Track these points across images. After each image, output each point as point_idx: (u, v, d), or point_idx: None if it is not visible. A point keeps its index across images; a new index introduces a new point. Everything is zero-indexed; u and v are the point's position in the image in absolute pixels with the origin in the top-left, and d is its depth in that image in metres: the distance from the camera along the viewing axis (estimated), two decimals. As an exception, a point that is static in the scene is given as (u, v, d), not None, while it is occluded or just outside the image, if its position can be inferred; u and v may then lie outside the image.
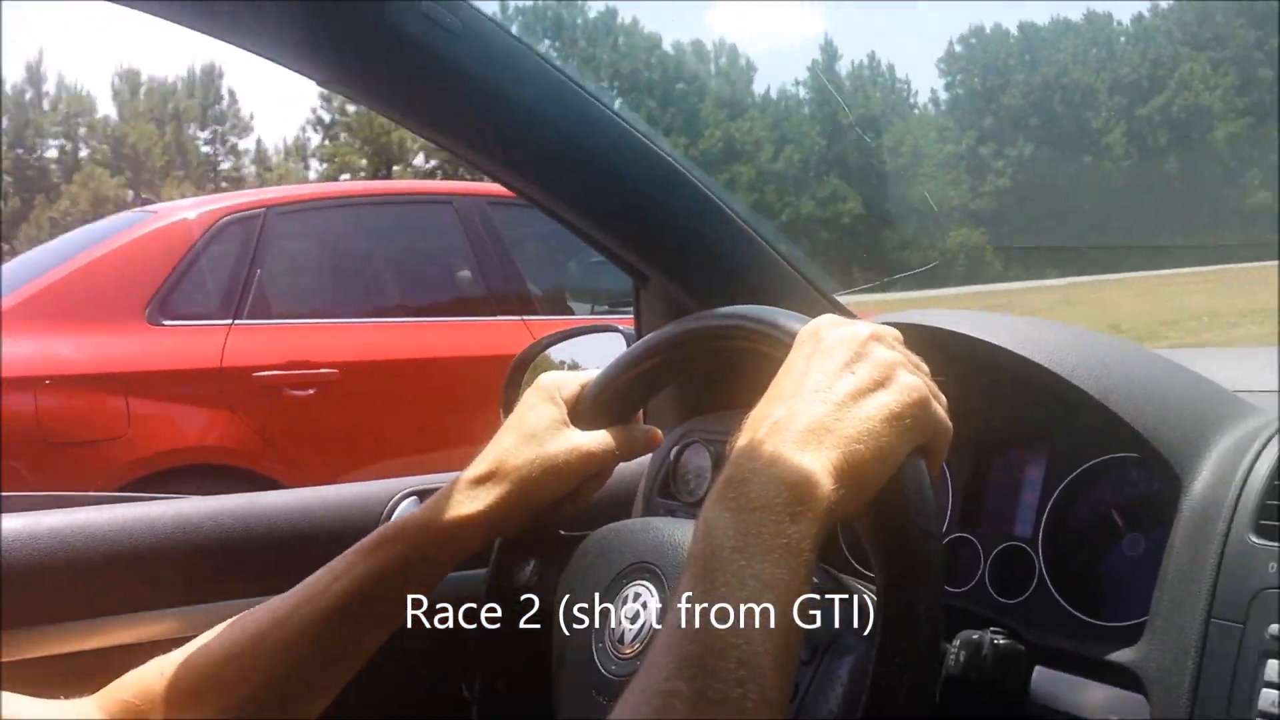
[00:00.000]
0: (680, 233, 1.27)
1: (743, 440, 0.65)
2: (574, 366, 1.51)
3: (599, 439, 0.88)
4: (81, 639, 1.05)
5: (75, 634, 1.05)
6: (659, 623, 0.77)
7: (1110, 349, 0.89)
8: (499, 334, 4.25)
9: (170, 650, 0.81)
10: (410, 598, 0.83)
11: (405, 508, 1.22)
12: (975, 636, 0.71)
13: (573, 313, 4.82)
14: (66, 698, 0.78)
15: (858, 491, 0.62)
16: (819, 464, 0.61)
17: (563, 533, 0.94)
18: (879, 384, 0.66)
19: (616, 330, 1.46)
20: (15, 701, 0.73)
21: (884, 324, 0.97)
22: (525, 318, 4.34)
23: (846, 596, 0.74)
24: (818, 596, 0.74)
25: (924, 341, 0.95)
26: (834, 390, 0.65)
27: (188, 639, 0.83)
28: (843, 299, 1.41)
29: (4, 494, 1.17)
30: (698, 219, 1.26)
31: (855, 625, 0.71)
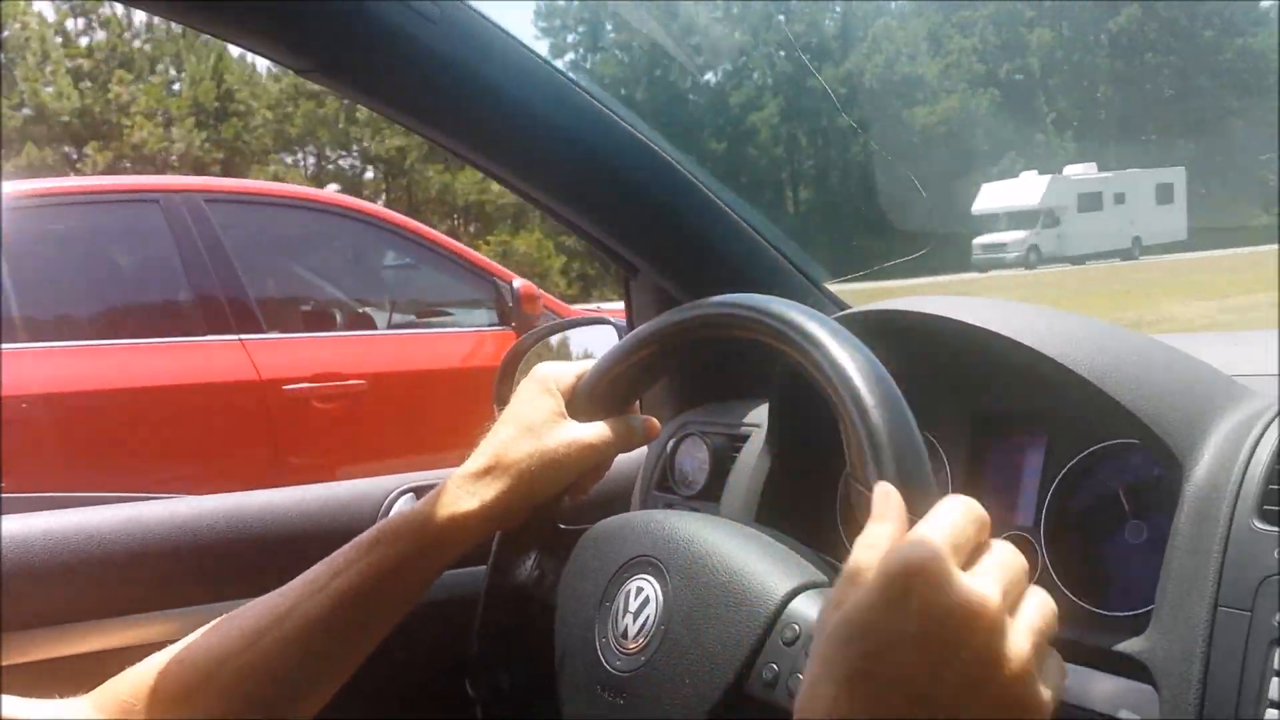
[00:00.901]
0: (668, 223, 1.26)
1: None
2: (565, 359, 1.51)
3: (598, 431, 0.87)
4: (77, 642, 1.04)
5: (71, 637, 1.04)
6: (661, 619, 0.76)
7: (1106, 333, 0.88)
8: (212, 355, 3.66)
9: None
10: (409, 594, 0.82)
11: (402, 504, 1.22)
12: None
13: (330, 327, 4.34)
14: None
15: None
16: None
17: (562, 526, 0.93)
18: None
19: (609, 322, 1.45)
20: (10, 703, 0.72)
21: (876, 310, 0.97)
22: (246, 336, 3.71)
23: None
24: (824, 585, 0.73)
25: (916, 329, 0.94)
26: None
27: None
28: (832, 287, 1.41)
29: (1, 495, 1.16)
30: (685, 208, 1.25)
31: None
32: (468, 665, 0.93)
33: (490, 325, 4.31)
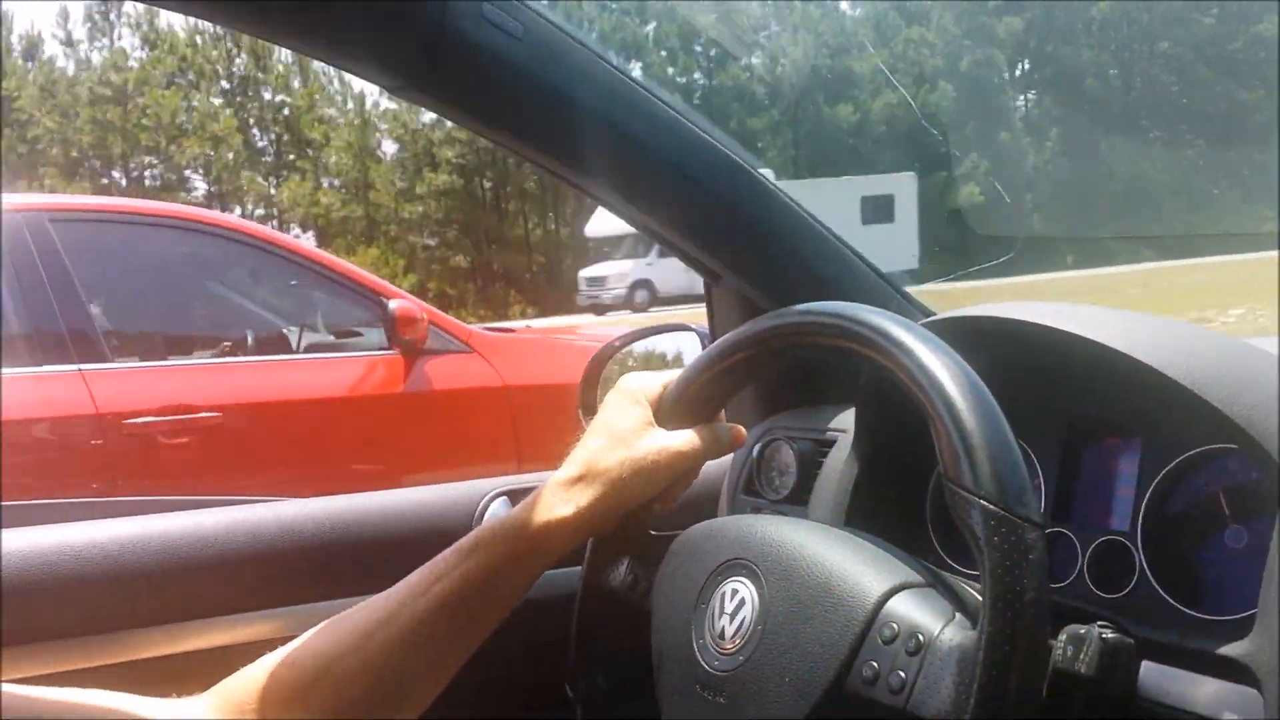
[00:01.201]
0: (749, 230, 1.27)
1: None
2: (648, 366, 1.53)
3: (686, 438, 0.89)
4: (188, 640, 1.08)
5: (182, 635, 1.08)
6: (758, 619, 0.78)
7: (1199, 338, 0.88)
8: (46, 387, 3.27)
9: (271, 651, 0.83)
10: (508, 597, 0.85)
11: (496, 507, 1.25)
12: (1082, 630, 0.71)
13: (186, 353, 3.90)
14: (176, 696, 0.80)
15: None
16: None
17: (653, 532, 0.95)
18: None
19: (690, 329, 1.47)
20: (128, 700, 0.76)
21: (965, 317, 0.97)
22: (86, 366, 3.33)
23: (949, 589, 0.74)
24: (921, 585, 0.74)
25: (1003, 334, 0.94)
26: None
27: (286, 639, 0.85)
28: (913, 291, 1.41)
29: (104, 499, 1.21)
30: (767, 216, 1.26)
31: (960, 618, 0.71)
32: (566, 667, 0.95)
33: (381, 350, 3.91)
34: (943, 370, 0.71)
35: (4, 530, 1.05)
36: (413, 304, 3.94)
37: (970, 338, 0.86)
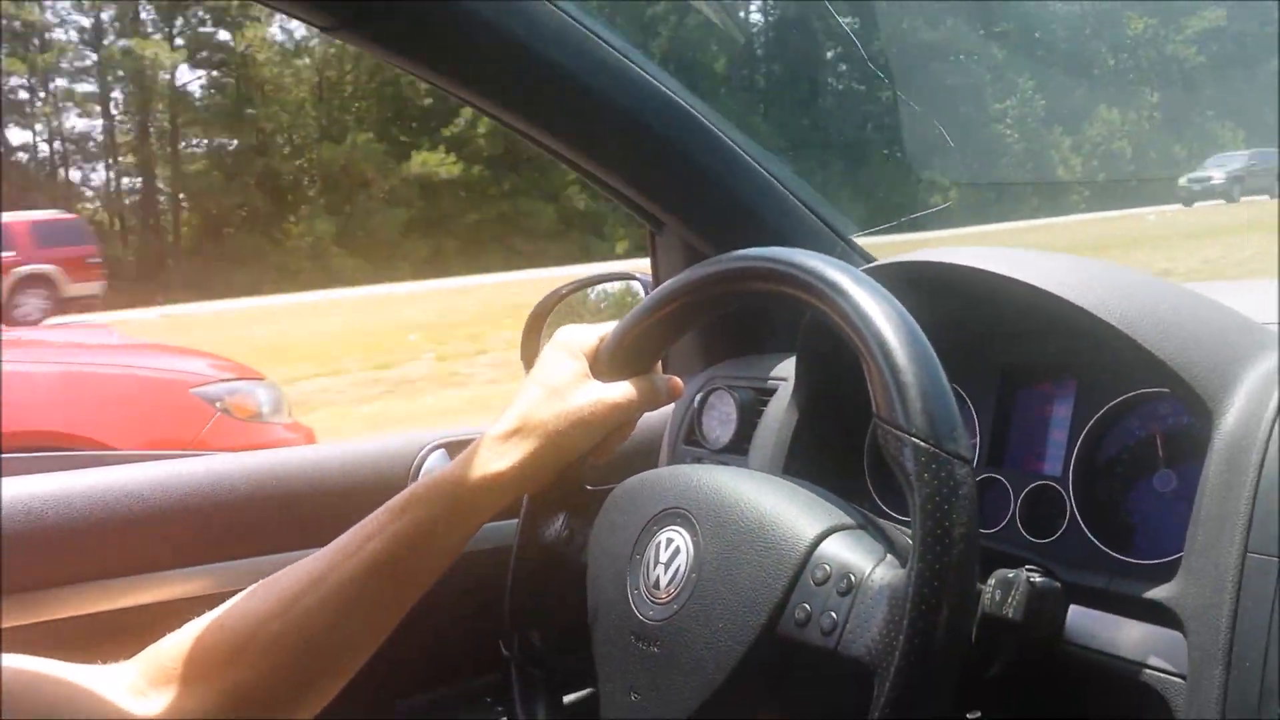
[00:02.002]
0: (695, 177, 1.26)
1: None
2: (590, 317, 1.51)
3: (622, 390, 0.88)
4: (113, 598, 1.06)
5: (106, 593, 1.06)
6: (693, 567, 0.77)
7: (1133, 281, 0.88)
8: None
9: (203, 608, 0.82)
10: (442, 556, 0.84)
11: (434, 460, 1.23)
12: (1010, 575, 0.71)
13: None
14: (102, 659, 0.78)
15: None
16: None
17: (589, 487, 0.94)
18: None
19: (634, 278, 1.45)
20: (56, 666, 0.74)
21: (904, 262, 0.97)
22: None
23: (882, 531, 0.74)
24: (853, 527, 0.74)
25: (942, 279, 0.94)
26: None
27: (220, 595, 0.83)
28: (859, 240, 1.41)
29: (9, 456, 1.18)
30: (712, 162, 1.25)
31: (890, 559, 0.71)
32: (500, 624, 0.94)
33: None
34: (876, 310, 0.71)
35: None
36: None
37: (908, 283, 0.85)
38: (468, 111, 25.61)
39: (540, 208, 27.76)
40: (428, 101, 27.90)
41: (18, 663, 0.71)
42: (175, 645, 0.79)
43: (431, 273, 22.40)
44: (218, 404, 4.11)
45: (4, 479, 1.05)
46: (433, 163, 27.40)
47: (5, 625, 1.00)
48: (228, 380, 4.31)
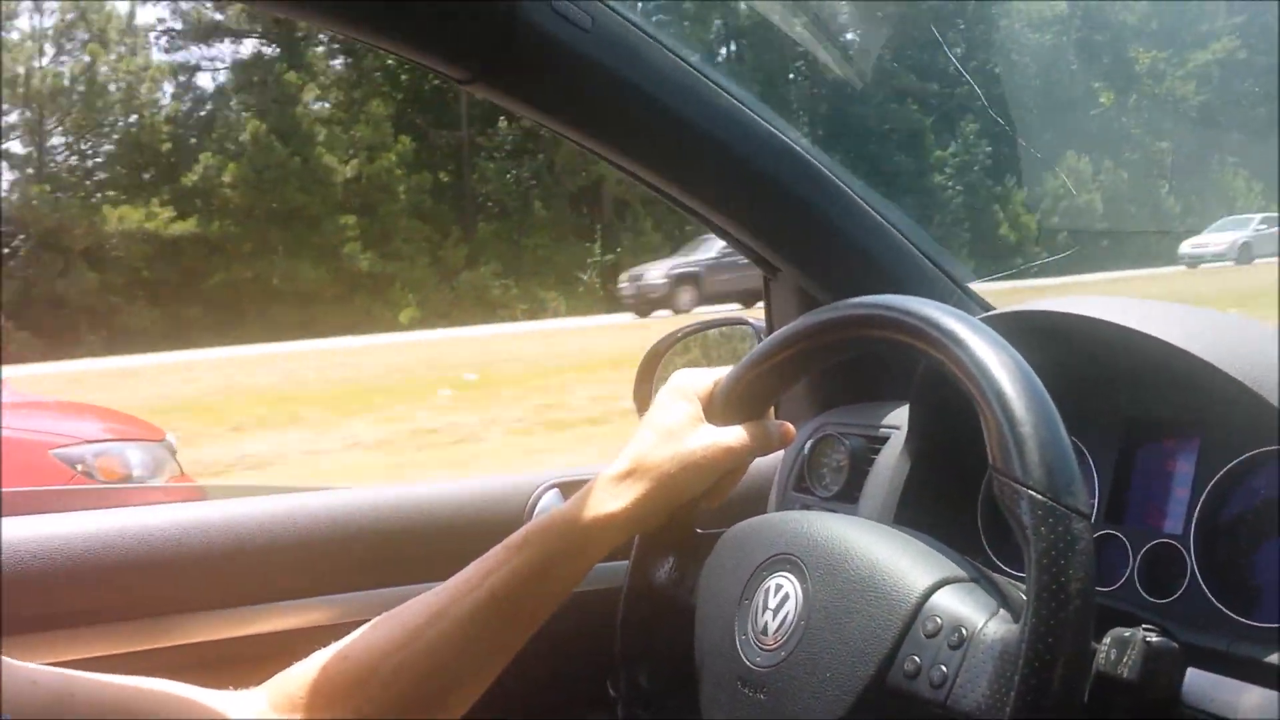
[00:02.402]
0: (810, 223, 1.26)
1: None
2: (705, 361, 1.52)
3: (734, 435, 0.89)
4: (242, 625, 1.11)
5: (239, 620, 1.11)
6: (801, 615, 0.77)
7: (1262, 335, 0.85)
8: None
9: (327, 638, 0.85)
10: (557, 592, 0.85)
11: (548, 499, 1.26)
12: (1127, 634, 0.69)
13: None
14: (230, 685, 0.82)
15: None
16: None
17: (700, 530, 0.95)
18: None
19: (748, 324, 1.46)
20: (187, 690, 0.77)
21: (1024, 311, 0.96)
22: None
23: (994, 585, 0.73)
24: (966, 580, 0.73)
25: (1063, 330, 0.93)
26: None
27: (342, 626, 0.86)
28: (976, 287, 1.39)
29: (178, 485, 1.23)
30: (827, 208, 1.26)
31: (1004, 613, 0.70)
32: (609, 664, 0.95)
33: None
34: (994, 360, 0.71)
35: (68, 513, 1.08)
36: None
37: (1028, 333, 0.84)
38: (209, 157, 22.64)
39: (306, 269, 23.30)
40: (166, 146, 23.92)
41: (148, 683, 0.75)
42: (302, 674, 0.82)
43: (164, 345, 18.46)
44: (79, 466, 3.97)
45: (147, 507, 1.11)
46: (134, 218, 22.32)
47: (141, 648, 1.06)
48: (98, 441, 4.18)
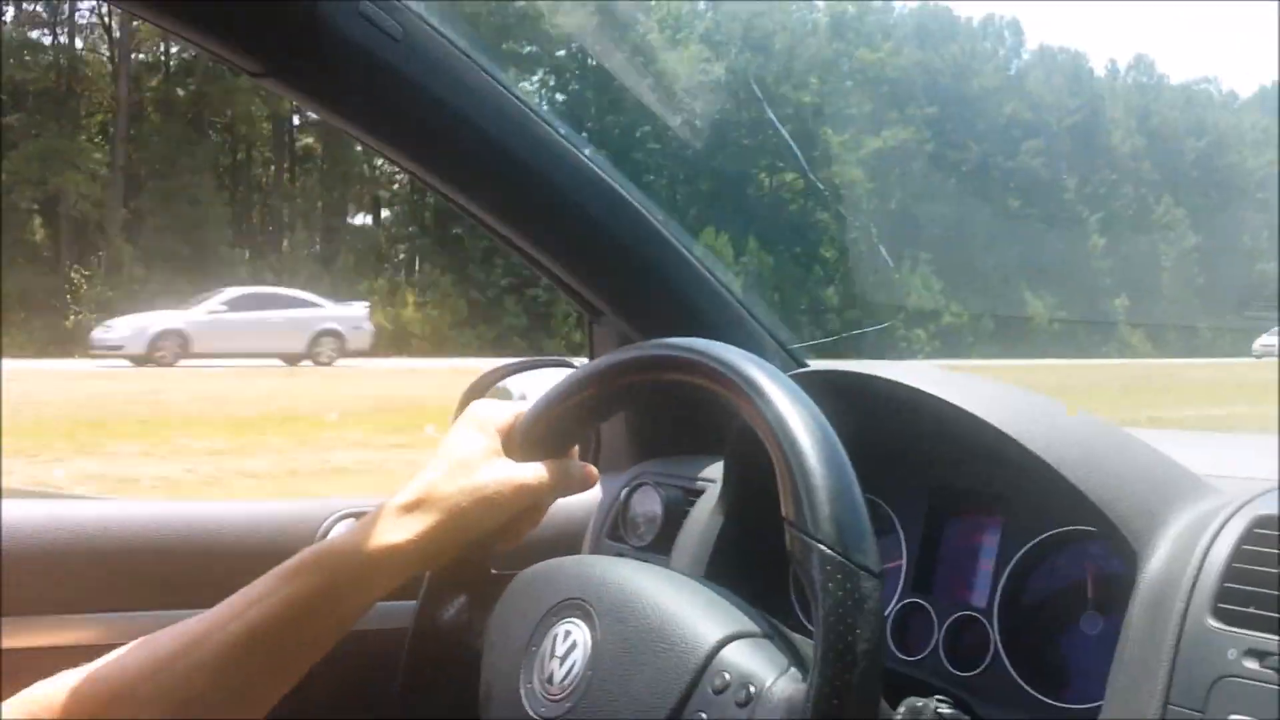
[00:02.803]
0: (633, 267, 1.25)
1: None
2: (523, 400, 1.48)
3: (532, 471, 0.84)
4: (7, 638, 1.00)
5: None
6: (589, 664, 0.73)
7: (1069, 418, 0.87)
8: None
9: (86, 658, 0.78)
10: (330, 629, 0.79)
11: (340, 529, 1.18)
12: (920, 703, 0.68)
13: None
14: None
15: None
16: None
17: (494, 571, 0.90)
18: None
19: (570, 365, 1.43)
20: None
21: (835, 371, 0.95)
22: None
23: (787, 641, 0.71)
24: (758, 635, 0.71)
25: (869, 391, 0.92)
26: None
27: (107, 647, 0.78)
28: (798, 349, 1.40)
29: None
30: (650, 252, 1.25)
31: (794, 671, 0.67)
32: (390, 704, 0.89)
33: None
34: (791, 411, 0.69)
35: None
36: None
37: (837, 393, 0.83)
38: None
39: None
40: None
41: None
42: (48, 694, 0.75)
43: None
44: None
45: None
46: None
47: None
48: None
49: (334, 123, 1.07)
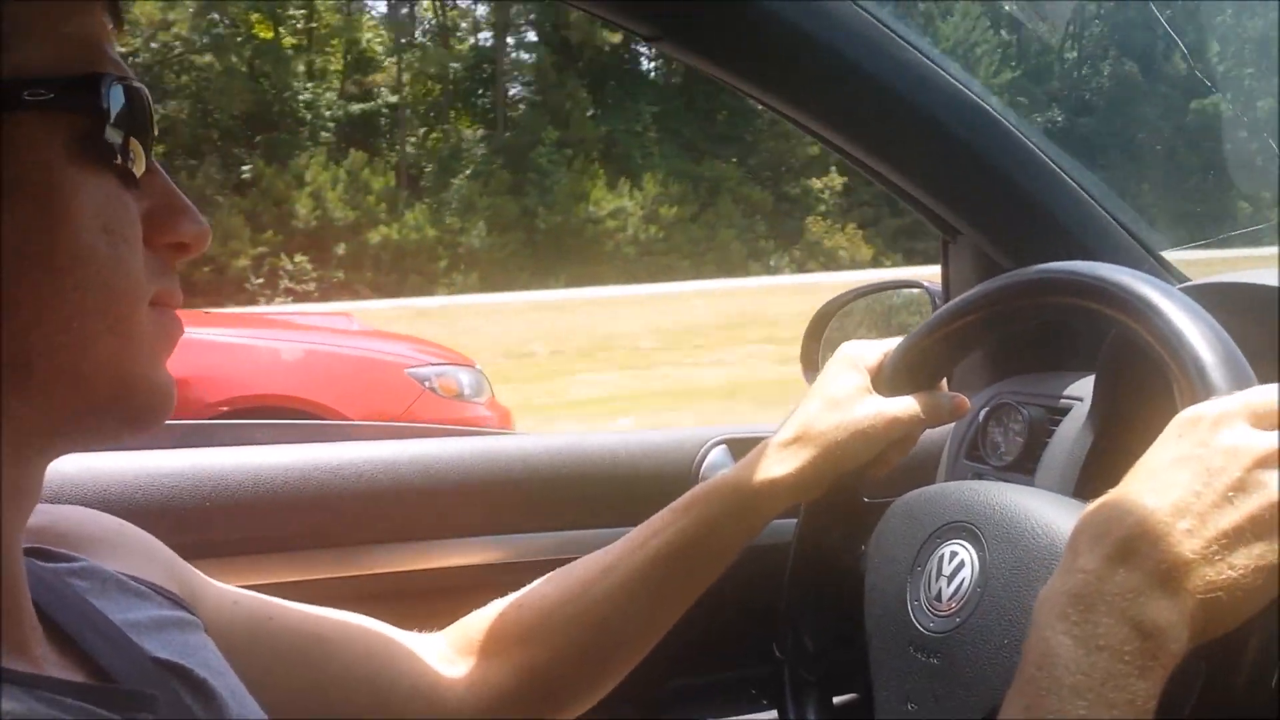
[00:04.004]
0: (994, 183, 1.22)
1: (1090, 544, 0.60)
2: (873, 322, 1.50)
3: (904, 405, 0.87)
4: (422, 559, 1.16)
5: (417, 554, 1.16)
6: (977, 583, 0.76)
7: None
8: None
9: (501, 574, 0.90)
10: (722, 554, 0.87)
11: (716, 455, 1.27)
12: None
13: None
14: (408, 611, 0.87)
15: (1202, 643, 0.57)
16: (1177, 612, 0.56)
17: (866, 499, 0.94)
18: (1262, 531, 0.56)
19: (922, 286, 1.43)
20: (380, 625, 0.83)
21: (1224, 284, 0.90)
22: None
23: None
24: None
25: (1262, 305, 0.87)
26: (1207, 523, 0.57)
27: (517, 564, 0.90)
28: (1170, 255, 1.32)
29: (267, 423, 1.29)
30: (1013, 168, 1.21)
31: None
32: (776, 626, 0.96)
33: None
34: (1193, 330, 0.66)
35: (273, 445, 1.15)
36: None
37: (1229, 306, 0.79)
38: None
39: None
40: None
41: (341, 615, 0.81)
42: (480, 620, 0.87)
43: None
44: (426, 383, 4.81)
45: (341, 444, 1.17)
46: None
47: (326, 576, 1.12)
48: (436, 364, 5.04)
49: (718, 77, 1.12)
